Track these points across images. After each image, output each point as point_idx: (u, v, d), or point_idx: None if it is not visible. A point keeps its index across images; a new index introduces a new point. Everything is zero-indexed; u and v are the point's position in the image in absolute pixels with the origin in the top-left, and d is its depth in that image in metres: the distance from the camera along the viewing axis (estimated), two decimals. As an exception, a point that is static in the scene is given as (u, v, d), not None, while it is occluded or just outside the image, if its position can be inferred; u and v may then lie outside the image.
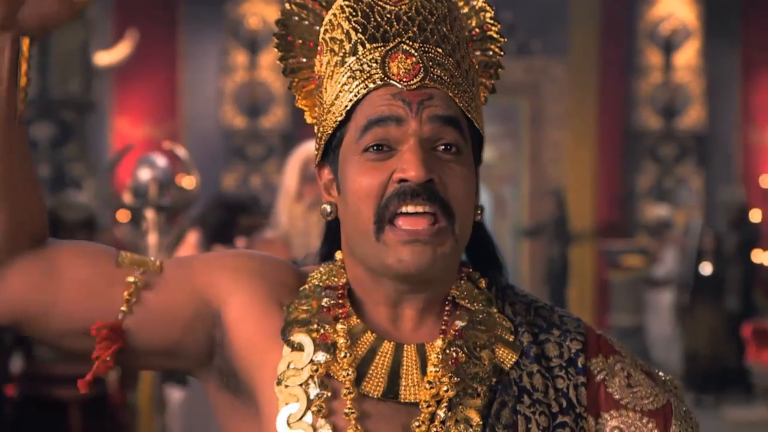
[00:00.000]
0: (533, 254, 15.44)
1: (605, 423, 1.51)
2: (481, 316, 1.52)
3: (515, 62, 15.08)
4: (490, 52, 1.58)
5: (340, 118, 1.47)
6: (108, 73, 12.68)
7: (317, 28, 1.55)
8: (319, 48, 1.54)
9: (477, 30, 1.57)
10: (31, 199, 1.46)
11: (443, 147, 1.44)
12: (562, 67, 14.82)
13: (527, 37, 14.95)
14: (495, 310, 1.54)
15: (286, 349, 1.46)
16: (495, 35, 1.58)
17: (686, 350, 11.45)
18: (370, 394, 1.45)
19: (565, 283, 14.54)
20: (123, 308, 1.47)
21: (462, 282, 1.53)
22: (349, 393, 1.44)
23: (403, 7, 1.47)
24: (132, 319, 1.47)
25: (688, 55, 14.66)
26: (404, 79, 1.44)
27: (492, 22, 1.57)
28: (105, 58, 11.48)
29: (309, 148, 3.95)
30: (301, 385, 1.45)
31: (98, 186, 4.99)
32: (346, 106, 1.46)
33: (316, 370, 1.44)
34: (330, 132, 1.49)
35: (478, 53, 1.58)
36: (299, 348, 1.46)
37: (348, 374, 1.44)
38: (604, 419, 1.51)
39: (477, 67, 1.57)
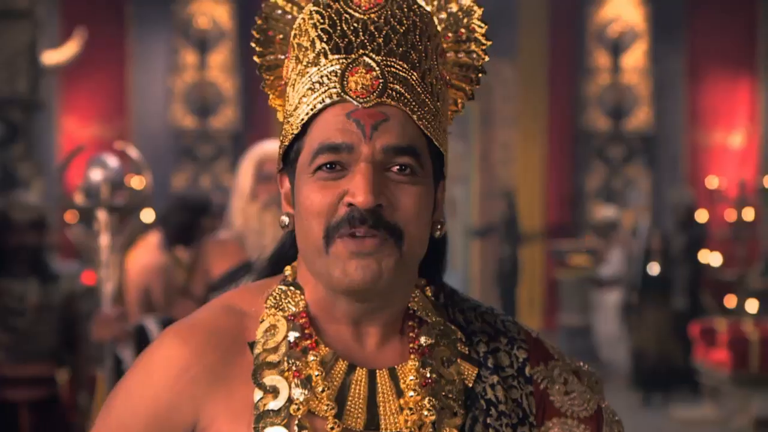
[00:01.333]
0: (484, 254, 15.48)
1: (548, 430, 1.53)
2: (440, 329, 1.52)
3: (465, 63, 15.10)
4: (474, 54, 1.55)
5: (296, 132, 1.46)
6: (56, 73, 12.56)
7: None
8: (287, 52, 1.52)
9: (463, 30, 1.55)
10: None
11: (398, 168, 1.42)
12: (511, 68, 14.88)
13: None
14: (448, 322, 1.53)
15: (258, 393, 1.44)
16: (480, 37, 1.55)
17: (634, 349, 11.54)
18: (353, 428, 1.44)
19: (515, 282, 14.59)
20: None
21: (416, 293, 1.53)
22: (334, 429, 1.43)
23: (372, 15, 1.44)
24: None
25: (635, 57, 14.78)
26: (360, 96, 1.41)
27: (479, 23, 1.55)
28: (53, 57, 11.38)
29: (263, 148, 3.93)
30: (282, 426, 1.42)
31: (49, 186, 4.94)
32: (303, 120, 1.44)
33: (298, 409, 1.42)
34: (287, 144, 1.48)
35: (461, 55, 1.55)
36: (272, 391, 1.43)
37: (329, 408, 1.43)
38: (546, 426, 1.53)
39: (448, 77, 1.54)
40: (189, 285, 4.40)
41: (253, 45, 1.55)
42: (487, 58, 1.56)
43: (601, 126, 14.78)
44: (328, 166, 1.42)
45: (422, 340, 1.49)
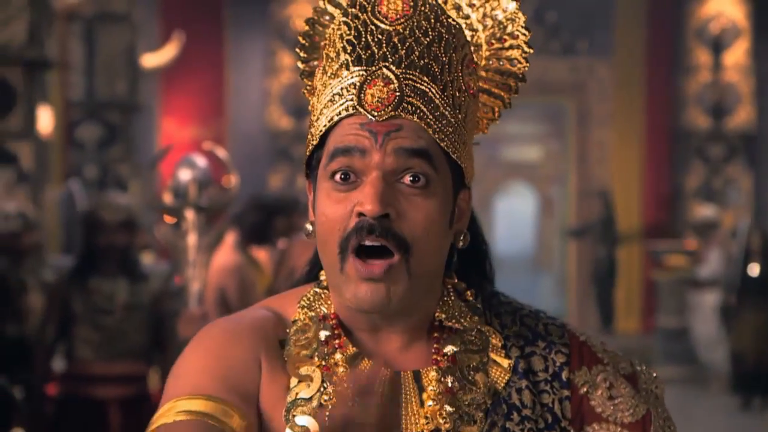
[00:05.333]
0: (580, 255, 15.36)
1: None
2: (472, 335, 1.53)
3: (560, 63, 15.01)
4: (515, 62, 1.56)
5: (315, 142, 1.49)
6: (155, 75, 12.77)
7: None
8: (318, 60, 1.55)
9: (506, 37, 1.55)
10: None
11: (411, 178, 1.44)
12: (607, 67, 14.77)
13: (572, 38, 14.88)
14: (485, 326, 1.54)
15: (293, 381, 1.48)
16: (523, 44, 1.55)
17: (732, 352, 11.35)
18: (374, 424, 1.46)
19: (612, 284, 14.45)
20: None
21: (447, 299, 1.53)
22: (357, 423, 1.46)
23: (398, 27, 1.46)
24: None
25: (737, 55, 14.54)
26: (375, 110, 1.43)
27: (523, 30, 1.55)
28: (152, 59, 11.56)
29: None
30: (310, 416, 1.45)
31: (142, 187, 5.02)
32: (321, 131, 1.47)
33: (329, 399, 1.45)
34: (309, 153, 1.51)
35: (503, 62, 1.55)
36: (307, 379, 1.48)
37: (356, 403, 1.46)
38: None
39: (487, 86, 1.56)
40: (274, 284, 4.43)
41: (297, 51, 1.57)
42: (528, 66, 1.56)
43: (700, 125, 14.57)
44: (342, 176, 1.44)
45: (447, 348, 1.51)
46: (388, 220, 1.42)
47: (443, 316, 1.51)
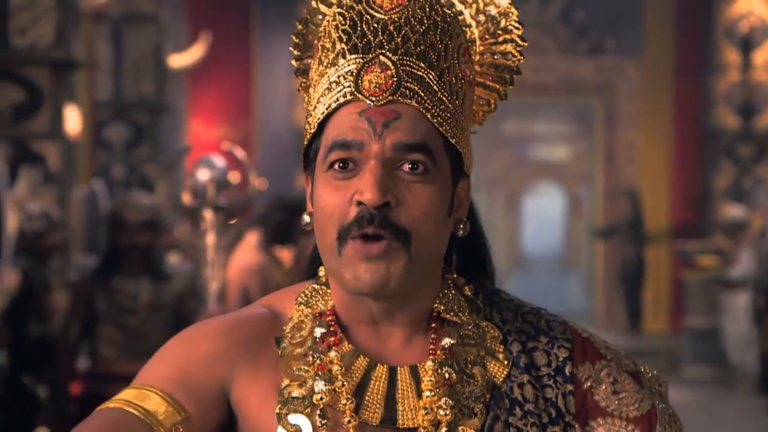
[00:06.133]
0: (608, 255, 15.32)
1: (592, 430, 1.52)
2: (469, 329, 1.52)
3: (588, 62, 14.98)
4: (510, 56, 1.57)
5: (313, 131, 1.49)
6: (183, 75, 12.82)
7: None
8: (314, 53, 1.55)
9: (500, 32, 1.56)
10: None
11: (410, 166, 1.44)
12: (635, 66, 14.73)
13: (600, 37, 14.85)
14: (483, 321, 1.54)
15: (285, 380, 1.49)
16: (517, 38, 1.56)
17: (763, 353, 11.28)
18: (369, 422, 1.47)
19: (640, 284, 14.40)
20: None
21: (447, 292, 1.54)
22: (350, 422, 1.46)
23: (393, 16, 1.47)
24: None
25: (766, 53, 14.45)
26: (374, 95, 1.44)
27: (516, 24, 1.56)
28: (179, 60, 11.62)
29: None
30: (304, 414, 1.46)
31: (162, 186, 5.04)
32: (319, 119, 1.47)
33: (321, 399, 1.46)
34: (306, 143, 1.51)
35: (497, 57, 1.57)
36: (299, 379, 1.48)
37: (348, 402, 1.46)
38: (591, 426, 1.52)
39: (483, 79, 1.57)
40: (293, 284, 4.39)
41: (291, 49, 1.58)
42: (522, 60, 1.57)
43: (729, 124, 14.48)
44: (340, 165, 1.44)
45: (444, 341, 1.50)
46: (387, 207, 1.42)
47: (442, 307, 1.51)
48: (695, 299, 13.08)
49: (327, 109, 1.46)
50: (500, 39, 1.57)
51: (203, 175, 4.52)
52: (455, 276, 1.56)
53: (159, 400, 1.47)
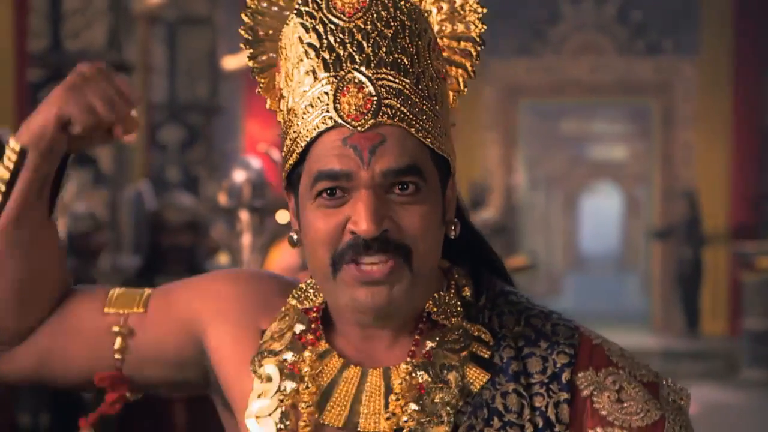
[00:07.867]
0: (665, 256, 15.20)
1: None
2: (457, 334, 1.47)
3: (645, 62, 14.87)
4: (471, 25, 1.48)
5: (295, 160, 1.42)
6: (239, 77, 12.88)
7: (287, 13, 1.46)
8: (278, 55, 1.48)
9: (459, 9, 1.49)
10: (56, 283, 1.57)
11: (400, 188, 1.39)
12: (692, 66, 14.61)
13: (658, 37, 14.73)
14: (475, 325, 1.48)
15: (257, 380, 1.48)
16: (475, 4, 1.48)
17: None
18: (331, 424, 1.44)
19: (697, 285, 14.27)
20: (117, 356, 1.55)
21: (444, 294, 1.48)
22: (306, 425, 1.44)
23: (357, 22, 1.40)
24: (128, 365, 1.55)
25: (829, 52, 14.28)
26: (355, 120, 1.37)
27: (476, 7, 1.49)
28: (233, 62, 11.67)
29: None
30: (270, 415, 1.45)
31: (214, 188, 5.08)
32: (301, 147, 1.41)
33: (282, 401, 1.45)
34: (289, 169, 1.44)
35: (458, 26, 1.49)
36: (268, 379, 1.47)
37: (308, 405, 1.44)
38: None
39: (449, 54, 1.49)
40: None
41: (242, 46, 1.51)
42: (484, 28, 1.49)
43: (790, 124, 14.33)
44: (328, 192, 1.39)
45: (426, 344, 1.45)
46: (386, 233, 1.38)
47: (434, 309, 1.46)
48: (753, 301, 12.94)
49: (308, 136, 1.40)
50: (457, 5, 1.48)
51: (239, 176, 4.55)
52: (456, 276, 1.51)
53: (133, 293, 1.56)
